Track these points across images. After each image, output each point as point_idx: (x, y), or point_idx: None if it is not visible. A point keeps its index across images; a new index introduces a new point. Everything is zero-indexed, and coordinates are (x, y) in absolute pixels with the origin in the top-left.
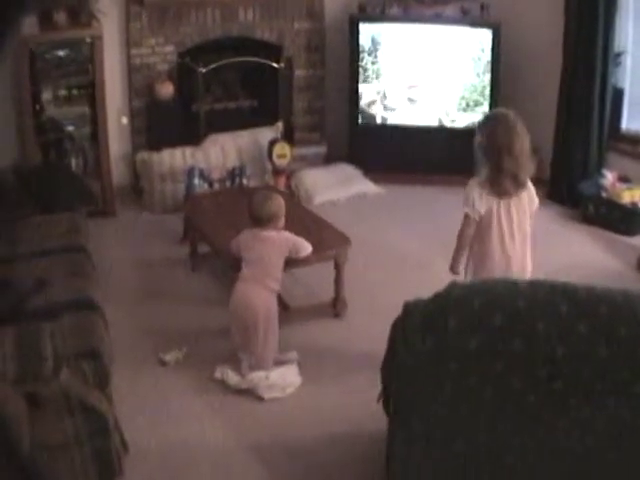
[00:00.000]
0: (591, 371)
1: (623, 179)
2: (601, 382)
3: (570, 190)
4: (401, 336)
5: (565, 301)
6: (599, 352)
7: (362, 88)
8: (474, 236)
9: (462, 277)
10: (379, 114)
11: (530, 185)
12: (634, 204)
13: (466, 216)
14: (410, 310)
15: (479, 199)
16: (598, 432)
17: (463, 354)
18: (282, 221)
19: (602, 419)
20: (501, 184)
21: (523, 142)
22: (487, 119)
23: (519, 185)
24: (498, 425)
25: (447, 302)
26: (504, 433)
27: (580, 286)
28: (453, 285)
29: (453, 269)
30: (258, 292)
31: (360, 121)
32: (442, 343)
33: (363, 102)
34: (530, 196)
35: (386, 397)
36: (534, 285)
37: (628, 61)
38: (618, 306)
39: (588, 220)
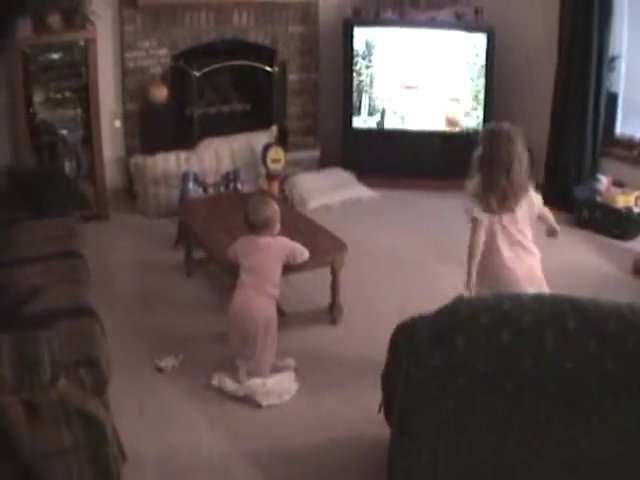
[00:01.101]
0: (600, 385)
1: (617, 183)
2: (610, 396)
3: (564, 194)
4: (408, 352)
5: (572, 316)
6: (607, 366)
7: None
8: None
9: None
10: (373, 118)
11: (531, 193)
12: (628, 209)
13: (473, 220)
14: (417, 324)
15: (477, 209)
16: (608, 446)
17: (472, 372)
18: (277, 226)
19: (612, 433)
20: (488, 200)
21: (519, 158)
22: (489, 133)
23: (505, 206)
24: (506, 441)
25: (455, 319)
26: (512, 449)
27: (587, 300)
28: (460, 300)
29: (468, 285)
30: (258, 300)
31: (356, 125)
32: (451, 361)
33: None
34: (529, 202)
35: (387, 407)
36: (540, 300)
37: (622, 66)
38: (626, 320)
39: (582, 224)
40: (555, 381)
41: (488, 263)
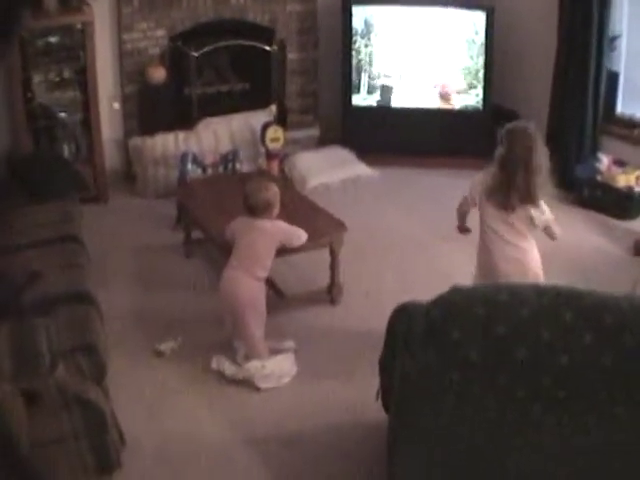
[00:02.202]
0: (596, 380)
1: (618, 163)
2: (606, 390)
3: (565, 174)
4: (403, 343)
5: (569, 308)
6: (604, 361)
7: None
8: (479, 243)
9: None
10: (373, 97)
11: (543, 207)
12: (629, 188)
13: (463, 197)
14: (412, 313)
15: (476, 194)
16: (603, 441)
17: (466, 364)
18: (277, 209)
19: (607, 427)
20: (509, 197)
21: (540, 159)
22: (509, 133)
23: (525, 201)
24: (501, 434)
25: (450, 310)
26: (507, 442)
27: (585, 292)
28: (455, 290)
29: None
30: (243, 279)
31: (355, 103)
32: (445, 353)
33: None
34: (527, 215)
35: (385, 395)
36: (538, 292)
37: (623, 45)
38: (623, 313)
39: (583, 204)
40: (550, 374)
41: (484, 255)
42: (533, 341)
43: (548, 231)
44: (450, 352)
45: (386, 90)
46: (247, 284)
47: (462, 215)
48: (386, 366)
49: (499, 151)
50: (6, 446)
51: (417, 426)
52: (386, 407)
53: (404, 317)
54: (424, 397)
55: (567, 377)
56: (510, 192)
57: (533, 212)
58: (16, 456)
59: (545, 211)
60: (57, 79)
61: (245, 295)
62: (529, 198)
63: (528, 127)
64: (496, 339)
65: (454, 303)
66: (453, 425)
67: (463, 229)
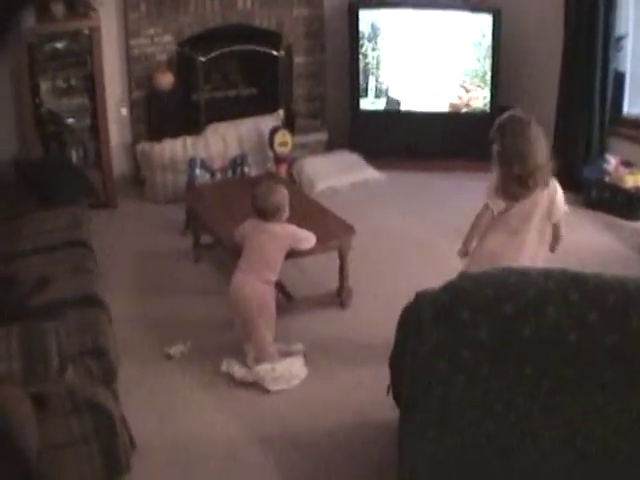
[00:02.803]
0: (602, 358)
1: (626, 163)
2: (613, 370)
3: (573, 175)
4: (413, 327)
5: (574, 289)
6: (609, 339)
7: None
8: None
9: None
10: (381, 100)
11: (558, 189)
12: (637, 188)
13: (485, 206)
14: (421, 301)
15: (497, 199)
16: (612, 421)
17: (475, 343)
18: (286, 212)
19: (615, 407)
20: (508, 188)
21: (536, 148)
22: (500, 126)
23: (528, 189)
24: (511, 412)
25: (459, 293)
26: (516, 423)
27: (590, 274)
28: (464, 276)
29: (461, 253)
30: (252, 282)
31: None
32: (454, 333)
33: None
34: (554, 201)
35: (395, 389)
36: (545, 274)
37: (629, 45)
38: (629, 294)
39: (591, 205)
40: (557, 353)
41: (491, 247)
42: (540, 320)
43: (556, 230)
44: (460, 331)
45: (392, 100)
46: (257, 287)
47: (476, 232)
48: (396, 361)
49: (494, 148)
50: (8, 448)
51: (427, 411)
52: (397, 401)
53: (414, 305)
54: (434, 379)
55: (574, 356)
56: (510, 182)
57: (556, 200)
58: (19, 458)
59: (562, 200)
60: (65, 85)
61: (255, 298)
62: (529, 180)
63: (515, 115)
64: (504, 318)
65: (463, 287)
66: (463, 408)
67: (466, 252)
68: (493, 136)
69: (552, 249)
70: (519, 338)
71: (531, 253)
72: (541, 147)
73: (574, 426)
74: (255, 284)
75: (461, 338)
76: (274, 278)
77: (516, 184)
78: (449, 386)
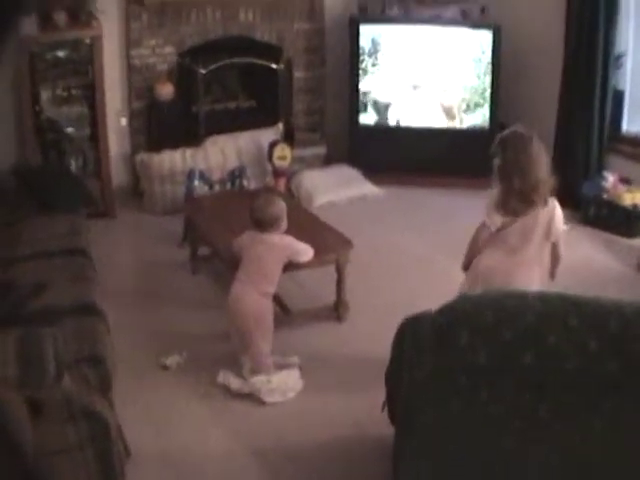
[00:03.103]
0: (601, 385)
1: (624, 181)
2: (612, 397)
3: (571, 192)
4: (411, 350)
5: (574, 314)
6: (609, 366)
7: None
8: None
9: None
10: (380, 115)
11: (557, 207)
12: (635, 206)
13: (483, 223)
14: (420, 323)
15: (496, 215)
16: (611, 446)
17: (473, 369)
18: (284, 224)
19: (613, 434)
20: (509, 204)
21: (537, 164)
22: (502, 141)
23: (529, 204)
24: (508, 439)
25: (457, 316)
26: (512, 448)
27: (590, 299)
28: (463, 298)
29: (464, 267)
30: (250, 294)
31: (364, 121)
32: (452, 358)
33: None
34: (553, 220)
35: (390, 406)
36: (544, 299)
37: (629, 63)
38: (628, 320)
39: (589, 222)
40: (556, 379)
41: (488, 263)
42: (539, 346)
43: (554, 250)
44: (458, 356)
45: (382, 108)
46: (255, 299)
47: (474, 250)
48: (392, 378)
49: (495, 162)
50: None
51: (423, 434)
52: (392, 419)
53: (411, 325)
54: (431, 402)
55: (572, 382)
56: (511, 198)
57: (555, 218)
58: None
59: (561, 218)
60: (65, 94)
61: (253, 310)
62: (531, 196)
63: (517, 130)
64: (503, 344)
65: (461, 309)
66: (459, 432)
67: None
68: (494, 150)
69: (552, 273)
70: (518, 364)
71: (529, 272)
72: (542, 163)
73: (572, 452)
74: (253, 296)
75: (459, 362)
76: (272, 290)
77: (517, 199)
78: (446, 409)
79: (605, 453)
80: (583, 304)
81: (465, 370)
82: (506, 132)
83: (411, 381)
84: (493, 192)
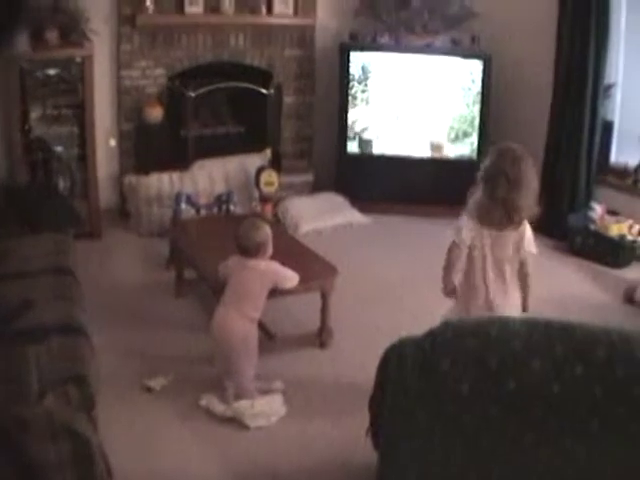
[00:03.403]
0: (587, 411)
1: (611, 212)
2: (598, 422)
3: (558, 222)
4: (394, 377)
5: (560, 341)
6: (595, 392)
7: (353, 116)
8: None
9: (452, 302)
10: (367, 143)
11: (527, 229)
12: (622, 237)
13: (452, 242)
14: (403, 350)
15: (466, 229)
16: (596, 472)
17: (457, 397)
18: (270, 249)
19: (599, 460)
20: (492, 212)
21: (525, 176)
22: (498, 148)
23: (511, 219)
24: (494, 464)
25: (441, 343)
26: (500, 472)
27: (575, 325)
28: (446, 325)
29: (445, 292)
30: (236, 319)
31: (352, 149)
32: (435, 385)
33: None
34: (523, 240)
35: (374, 431)
36: (529, 325)
37: (618, 94)
38: (615, 346)
39: (576, 252)
40: (541, 405)
41: (471, 282)
42: (524, 373)
43: (524, 269)
44: (441, 384)
45: (366, 142)
46: (239, 323)
47: (449, 269)
48: (376, 403)
49: (483, 164)
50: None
51: (407, 461)
52: (376, 444)
53: (395, 351)
54: (414, 430)
55: (558, 408)
56: (495, 206)
57: (525, 239)
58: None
59: (531, 241)
60: (55, 113)
61: (237, 334)
62: (513, 215)
63: (515, 146)
64: (487, 371)
65: (445, 336)
66: (444, 460)
67: (452, 290)
68: (486, 156)
69: (524, 304)
70: (503, 392)
71: (510, 289)
72: (531, 183)
73: (558, 477)
74: (238, 320)
75: (443, 389)
76: (257, 315)
77: (502, 211)
78: (429, 437)
79: (590, 477)
80: (569, 330)
81: (448, 398)
82: (506, 144)
83: (393, 408)
84: (474, 198)
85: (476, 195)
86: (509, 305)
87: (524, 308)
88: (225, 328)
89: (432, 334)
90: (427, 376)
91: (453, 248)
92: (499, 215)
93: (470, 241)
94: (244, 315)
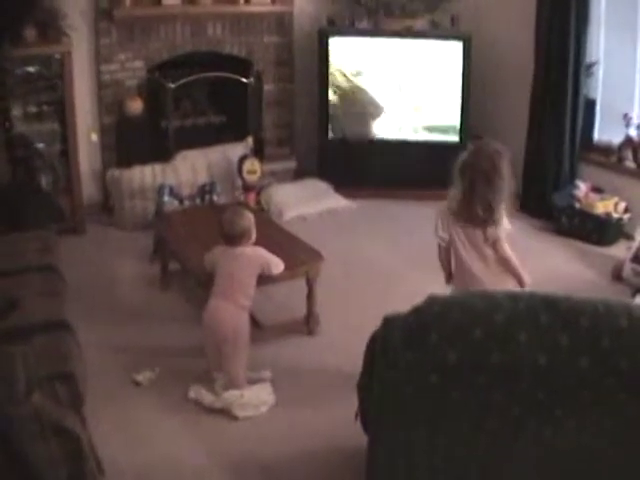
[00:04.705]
0: (574, 381)
1: (596, 190)
2: (585, 393)
3: (543, 202)
4: (381, 351)
5: (545, 311)
6: (581, 363)
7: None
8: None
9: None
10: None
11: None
12: (607, 214)
13: (438, 244)
14: (389, 325)
15: (442, 226)
16: (583, 444)
17: (444, 368)
18: (254, 235)
19: (587, 430)
20: (470, 210)
21: (504, 176)
22: (475, 145)
23: (489, 218)
24: (481, 438)
25: (427, 317)
26: (486, 447)
27: (560, 296)
28: (432, 299)
29: (447, 281)
30: (228, 309)
31: (331, 135)
32: (422, 358)
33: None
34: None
35: (363, 414)
36: (513, 297)
37: (600, 72)
38: (599, 316)
39: (562, 232)
40: (527, 377)
41: (461, 272)
42: (510, 344)
43: (497, 251)
44: (427, 356)
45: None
46: (232, 314)
47: (444, 266)
48: (364, 386)
49: (461, 157)
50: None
51: (396, 435)
52: (365, 427)
53: (382, 328)
54: (402, 404)
55: (544, 379)
56: (473, 201)
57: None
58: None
59: (501, 225)
60: (36, 109)
61: (231, 325)
62: (489, 212)
63: (496, 146)
64: (473, 342)
65: (431, 310)
66: (432, 432)
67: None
68: (464, 152)
69: (520, 283)
70: (489, 363)
71: (502, 274)
72: (505, 181)
73: (546, 449)
74: (231, 310)
75: (429, 362)
76: (249, 303)
77: (481, 207)
78: (417, 412)
79: (579, 449)
80: (554, 301)
81: (435, 370)
82: (487, 142)
83: (382, 384)
84: (449, 195)
85: (452, 191)
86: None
87: (522, 284)
88: (219, 319)
89: (418, 309)
90: (413, 350)
91: (439, 248)
92: (478, 211)
93: (449, 236)
94: (236, 305)
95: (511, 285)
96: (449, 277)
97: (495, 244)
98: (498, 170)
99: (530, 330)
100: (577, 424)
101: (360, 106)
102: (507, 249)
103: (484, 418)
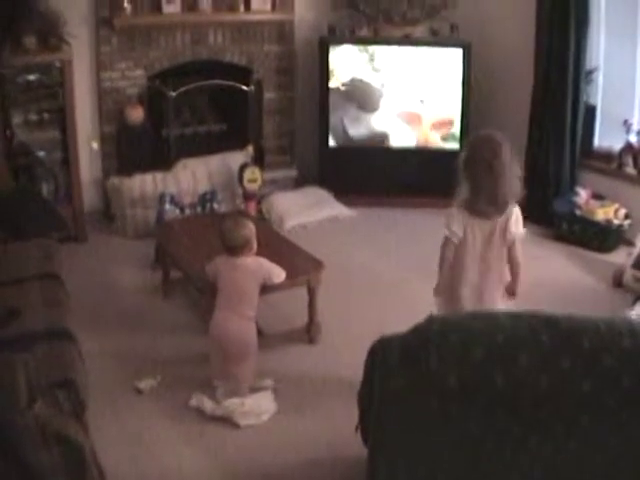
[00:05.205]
0: (575, 403)
1: (596, 196)
2: (586, 414)
3: (543, 208)
4: (380, 372)
5: (546, 332)
6: (584, 386)
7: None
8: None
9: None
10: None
11: (515, 211)
12: (608, 221)
13: (445, 238)
14: (389, 344)
15: (457, 221)
16: (585, 465)
17: (444, 390)
18: (255, 245)
19: (588, 451)
20: (477, 203)
21: (506, 163)
22: (473, 137)
23: (497, 208)
24: (482, 459)
25: (426, 337)
26: (487, 468)
27: (561, 317)
28: (432, 319)
29: (436, 291)
30: (235, 321)
31: (332, 143)
32: (422, 379)
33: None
34: (509, 222)
35: (363, 427)
36: (514, 318)
37: (600, 78)
38: (601, 336)
39: (562, 238)
40: (529, 399)
41: (460, 272)
42: (510, 366)
43: (512, 252)
44: (426, 377)
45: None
46: (238, 325)
47: (445, 267)
48: (365, 399)
49: (462, 154)
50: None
51: (395, 454)
52: (365, 440)
53: (382, 346)
54: (402, 426)
55: (546, 401)
56: (480, 192)
57: (510, 221)
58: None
59: (519, 223)
60: (37, 118)
61: (237, 335)
62: (497, 202)
63: (493, 133)
64: (473, 364)
65: (430, 331)
66: (433, 454)
67: (442, 291)
68: (466, 144)
69: (513, 288)
70: (491, 384)
71: (496, 280)
72: (510, 168)
73: (546, 471)
74: (237, 322)
75: (428, 384)
76: (253, 313)
77: (486, 201)
78: (417, 433)
79: (581, 471)
80: (555, 322)
81: (434, 391)
82: (484, 131)
83: (380, 403)
84: (459, 189)
85: (459, 188)
86: (498, 293)
87: (512, 292)
88: (226, 332)
89: (417, 330)
90: (412, 371)
91: (447, 243)
92: (484, 204)
93: (462, 233)
94: (242, 316)
95: (499, 296)
96: (442, 284)
97: (513, 245)
98: (498, 156)
99: (531, 351)
100: (578, 442)
101: (361, 112)
102: (520, 254)
103: (485, 439)
